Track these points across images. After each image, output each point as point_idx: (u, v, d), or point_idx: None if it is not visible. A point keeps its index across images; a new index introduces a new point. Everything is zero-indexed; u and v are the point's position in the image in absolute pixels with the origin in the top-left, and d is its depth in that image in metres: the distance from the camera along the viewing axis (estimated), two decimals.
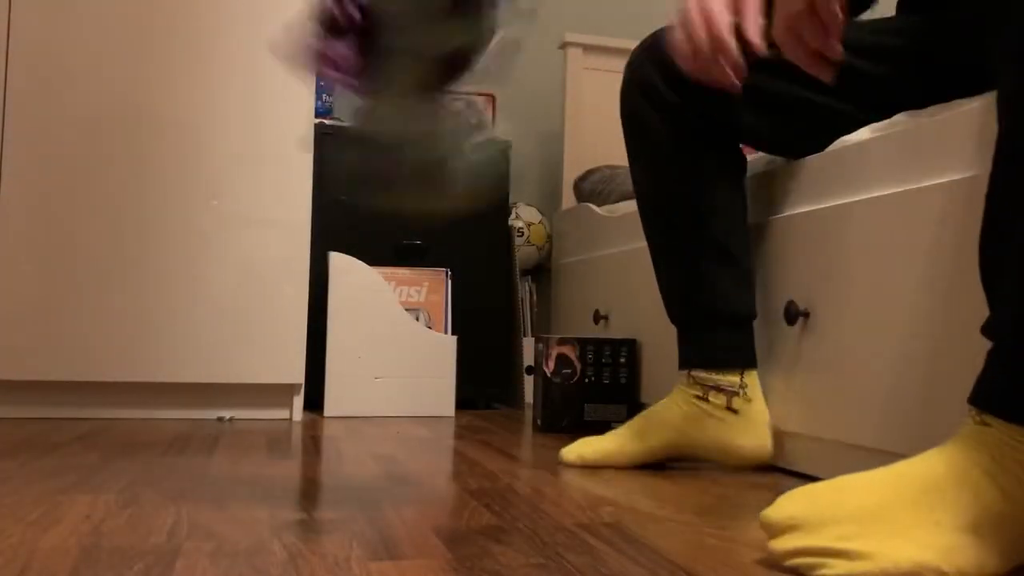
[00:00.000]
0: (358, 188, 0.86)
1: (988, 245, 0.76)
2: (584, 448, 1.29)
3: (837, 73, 0.98)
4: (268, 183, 1.82)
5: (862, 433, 1.10)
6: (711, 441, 1.25)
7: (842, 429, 1.14)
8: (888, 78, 1.20)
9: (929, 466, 0.72)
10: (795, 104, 1.24)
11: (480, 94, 2.43)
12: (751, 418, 1.24)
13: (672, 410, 1.27)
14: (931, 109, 1.07)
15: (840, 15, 0.93)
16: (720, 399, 1.25)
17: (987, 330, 0.75)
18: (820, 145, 1.23)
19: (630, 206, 1.91)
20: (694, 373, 1.26)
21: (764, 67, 1.17)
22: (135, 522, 0.85)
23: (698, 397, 1.26)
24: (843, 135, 1.20)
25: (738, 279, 1.26)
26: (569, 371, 1.74)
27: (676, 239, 1.28)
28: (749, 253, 1.28)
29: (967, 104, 0.99)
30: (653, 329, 1.71)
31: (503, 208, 2.31)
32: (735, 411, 1.24)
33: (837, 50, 0.95)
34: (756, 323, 1.29)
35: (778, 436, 1.27)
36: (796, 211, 1.25)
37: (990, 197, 0.75)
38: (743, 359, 1.25)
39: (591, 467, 1.27)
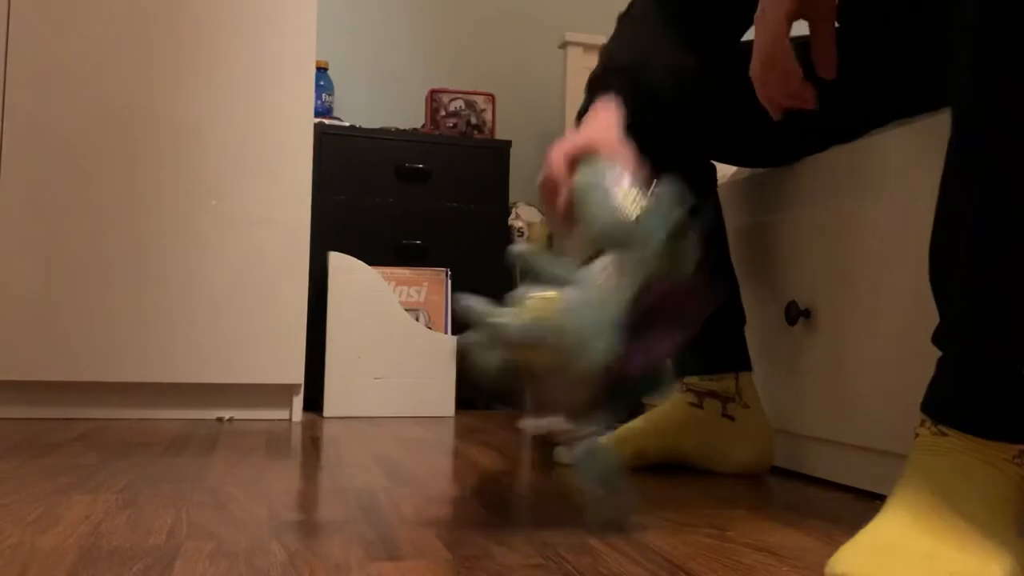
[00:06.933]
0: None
1: (937, 254, 0.75)
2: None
3: (817, 98, 1.02)
4: (268, 183, 1.82)
5: (863, 434, 1.10)
6: (706, 449, 1.23)
7: (843, 429, 1.13)
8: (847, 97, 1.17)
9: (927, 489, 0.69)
10: (760, 120, 1.22)
11: (480, 93, 2.42)
12: (748, 425, 1.22)
13: (667, 417, 1.25)
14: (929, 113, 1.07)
15: (796, 71, 0.98)
16: (715, 406, 1.23)
17: (937, 339, 0.74)
18: (788, 159, 1.26)
19: None
20: (687, 380, 1.25)
21: (733, 85, 1.18)
22: (134, 522, 0.84)
23: (692, 404, 1.24)
24: (813, 152, 1.22)
25: (723, 284, 1.25)
26: None
27: None
28: (728, 258, 1.28)
29: None
30: None
31: (503, 208, 2.31)
32: (731, 418, 1.22)
33: (805, 96, 1.01)
34: (757, 323, 1.28)
35: (779, 437, 1.27)
36: (797, 211, 1.25)
37: (939, 208, 0.74)
38: (735, 362, 1.24)
39: None
